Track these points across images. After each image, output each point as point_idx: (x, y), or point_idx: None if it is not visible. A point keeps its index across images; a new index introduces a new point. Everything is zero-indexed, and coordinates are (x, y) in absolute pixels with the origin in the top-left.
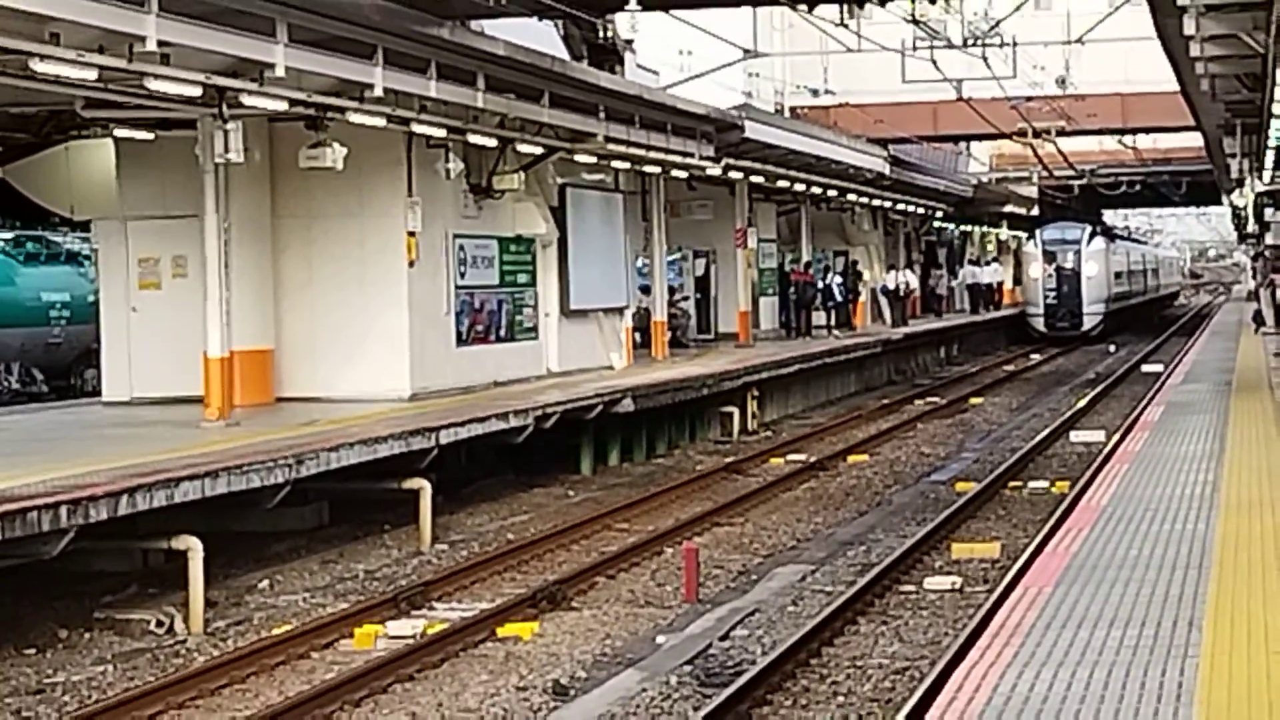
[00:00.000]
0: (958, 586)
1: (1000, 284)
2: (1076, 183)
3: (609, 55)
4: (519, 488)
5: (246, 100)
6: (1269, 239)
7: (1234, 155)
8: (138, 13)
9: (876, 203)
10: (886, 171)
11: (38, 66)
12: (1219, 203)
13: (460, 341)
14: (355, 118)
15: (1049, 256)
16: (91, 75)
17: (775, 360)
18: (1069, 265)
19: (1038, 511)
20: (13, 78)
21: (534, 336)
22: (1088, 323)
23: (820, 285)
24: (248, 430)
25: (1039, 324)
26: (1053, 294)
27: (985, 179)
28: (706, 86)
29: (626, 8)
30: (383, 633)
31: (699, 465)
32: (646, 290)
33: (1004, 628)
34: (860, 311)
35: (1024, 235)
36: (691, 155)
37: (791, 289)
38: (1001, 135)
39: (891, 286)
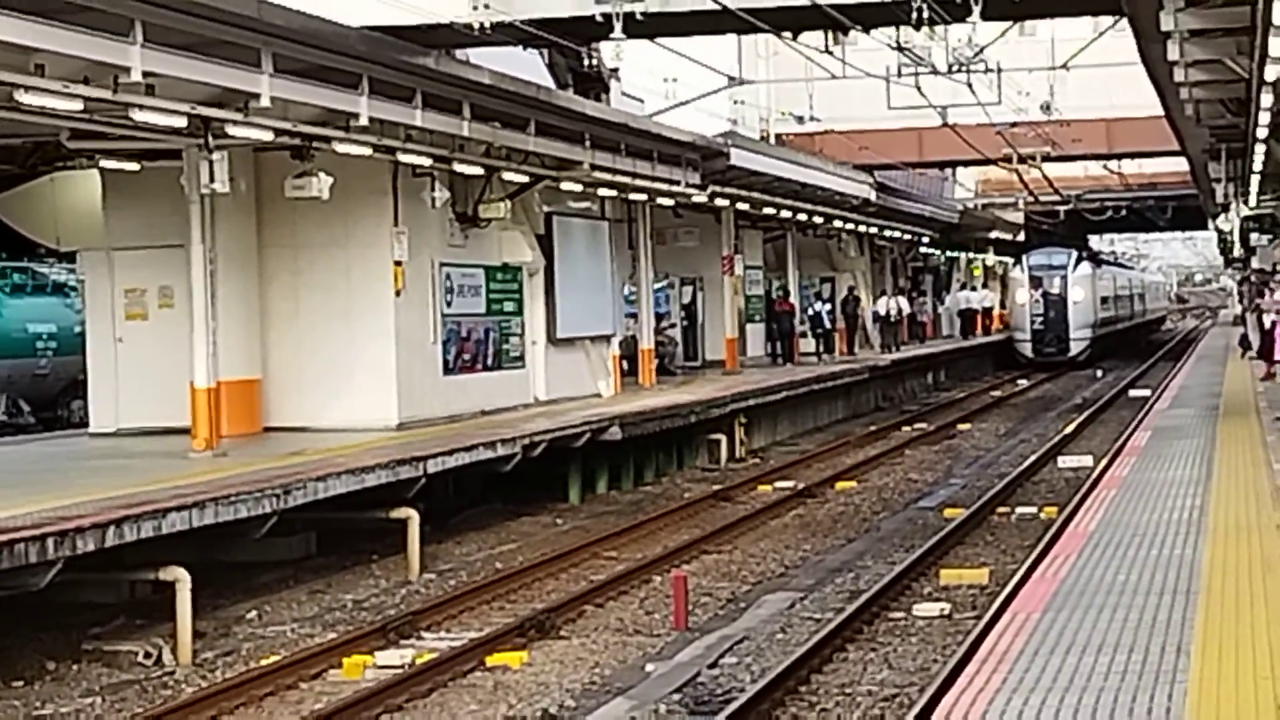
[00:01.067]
0: (946, 613)
1: (990, 309)
2: (1062, 208)
3: (594, 83)
4: (507, 516)
5: (232, 130)
6: (1254, 263)
7: (1219, 180)
8: (123, 43)
9: (863, 229)
10: (872, 198)
11: (23, 98)
12: (1205, 227)
13: (447, 370)
14: (341, 147)
15: (1035, 282)
16: (77, 106)
17: (763, 387)
18: (1055, 290)
19: (1026, 537)
20: None
21: (521, 365)
22: (1074, 348)
23: (810, 312)
24: (235, 460)
25: (1026, 349)
26: (1039, 319)
27: (971, 205)
28: (692, 114)
29: (611, 36)
30: (371, 663)
31: (687, 493)
32: (633, 318)
33: (993, 654)
34: (843, 338)
35: (1010, 261)
36: (677, 183)
37: (773, 318)
38: (987, 161)
39: (882, 312)
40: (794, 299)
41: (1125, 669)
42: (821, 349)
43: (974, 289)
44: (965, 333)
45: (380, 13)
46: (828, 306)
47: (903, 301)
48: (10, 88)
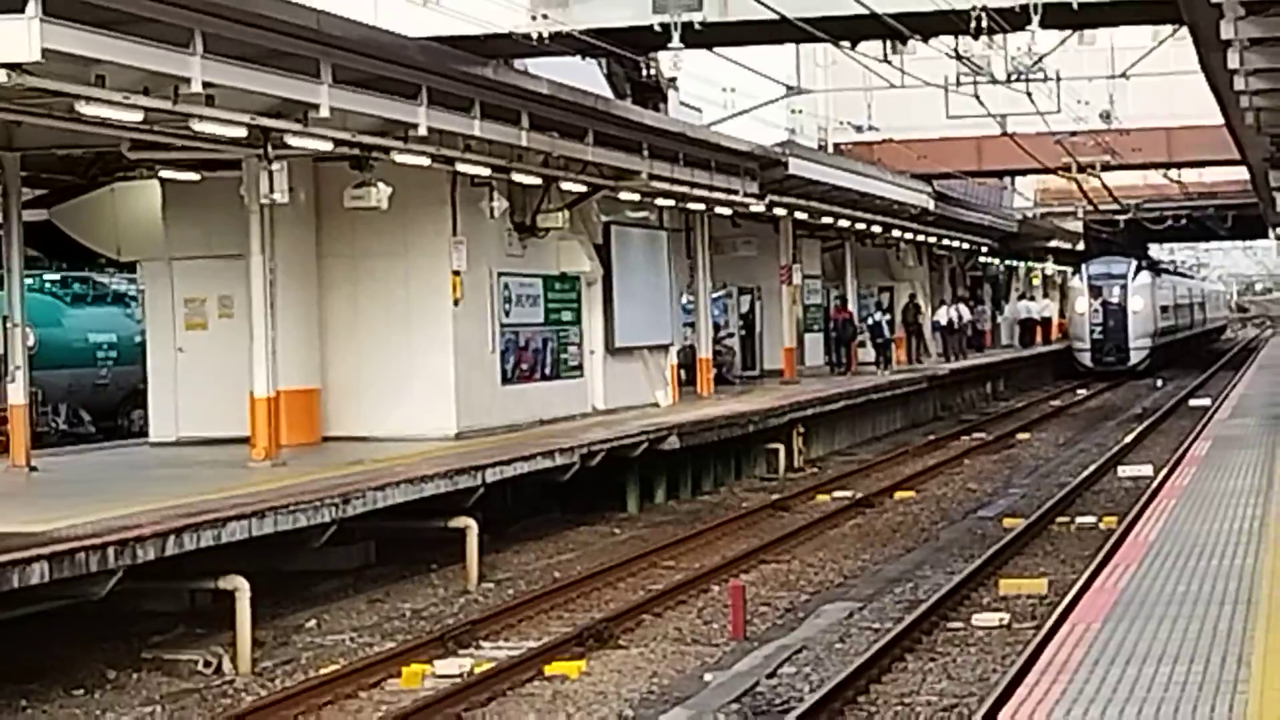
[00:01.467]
0: (1005, 623)
1: (1049, 319)
2: (1122, 217)
3: (652, 93)
4: (565, 526)
5: (291, 141)
6: None
7: (1279, 189)
8: (183, 54)
9: (921, 238)
10: (931, 207)
11: (84, 109)
12: (1265, 236)
13: (505, 380)
14: (400, 157)
15: (1095, 291)
16: (137, 117)
17: (821, 397)
18: (1115, 300)
19: (1085, 547)
20: (59, 120)
21: (579, 374)
22: (1134, 357)
23: (870, 322)
24: (294, 470)
25: (1085, 359)
26: (1099, 329)
27: (1030, 214)
28: (750, 123)
29: (669, 46)
30: (430, 672)
31: (745, 502)
32: (691, 327)
33: (1052, 664)
34: (900, 346)
35: (1069, 270)
36: (736, 192)
37: (832, 326)
38: (1046, 170)
39: (944, 322)
40: (852, 308)
41: (1186, 680)
42: (880, 358)
43: (1033, 298)
44: (1025, 342)
45: (439, 23)
46: (887, 316)
47: (964, 310)
48: (71, 99)
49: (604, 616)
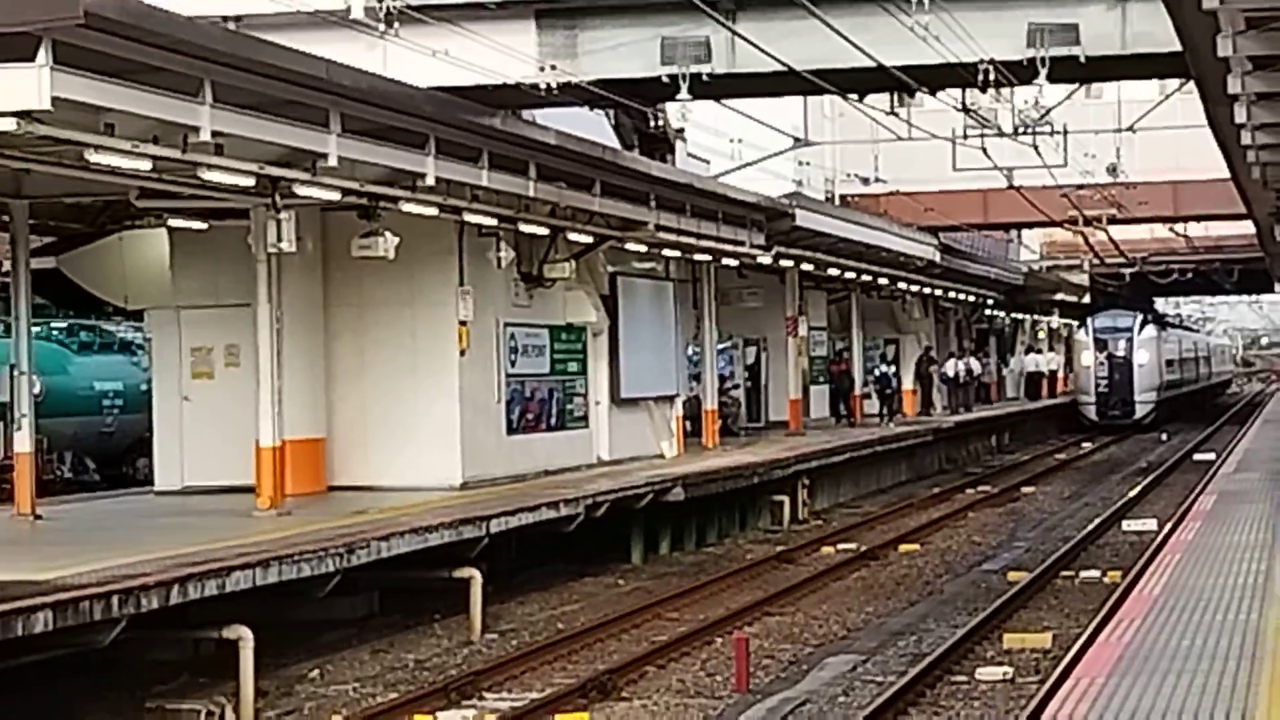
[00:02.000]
0: (1009, 677)
1: (1054, 372)
2: (1128, 270)
3: (660, 144)
4: (570, 577)
5: (299, 190)
6: None
7: None
8: (192, 104)
9: (927, 290)
10: (937, 259)
11: (93, 157)
12: (1271, 290)
13: (511, 430)
14: (407, 207)
15: (1100, 344)
16: (146, 165)
17: (826, 449)
18: (1121, 353)
19: (1090, 601)
20: (68, 168)
21: (585, 425)
22: (1140, 411)
23: (876, 373)
24: (299, 519)
25: (1090, 412)
26: (1104, 382)
27: (1036, 267)
28: (757, 175)
29: (677, 97)
30: None
31: (749, 554)
32: (697, 378)
33: (1056, 719)
34: (910, 400)
35: (1075, 323)
36: (742, 243)
37: (829, 379)
38: (1052, 223)
39: (951, 374)
40: (857, 360)
41: None
42: (885, 410)
43: (1039, 351)
44: (1032, 395)
45: (447, 73)
46: (893, 368)
47: (973, 363)
48: (81, 147)
49: (608, 668)
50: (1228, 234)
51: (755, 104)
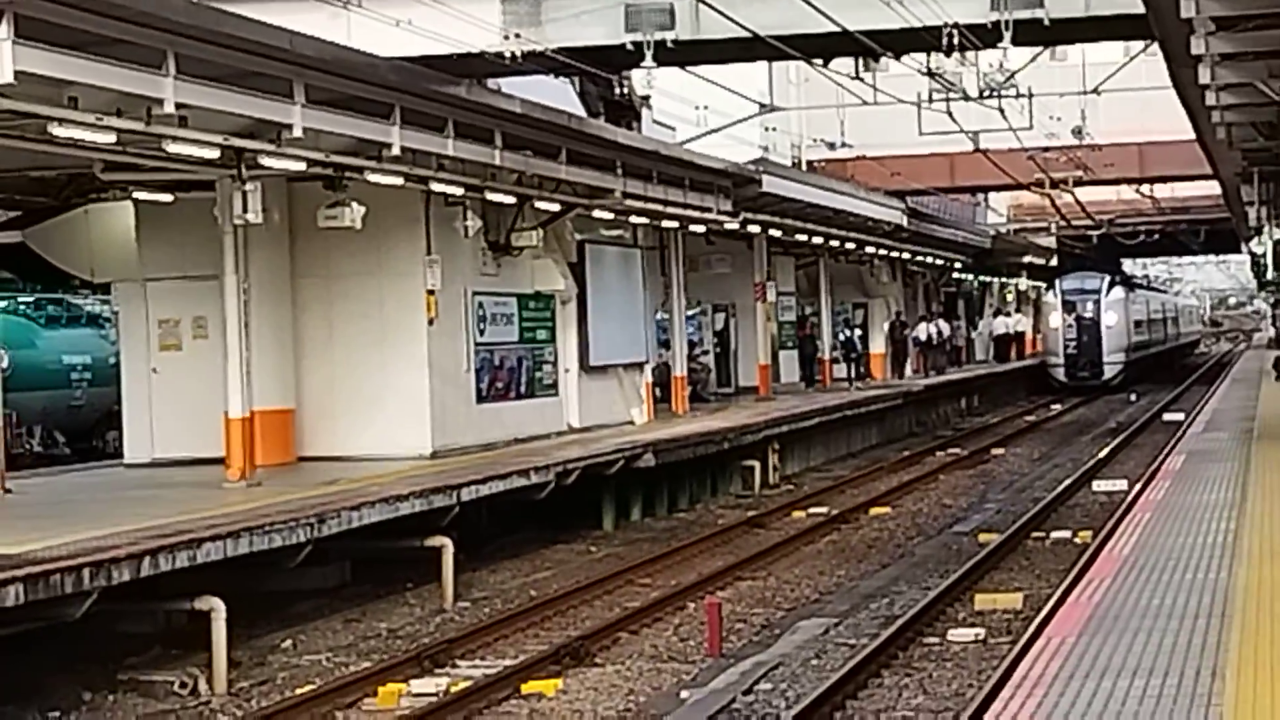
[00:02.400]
0: (981, 638)
1: (1021, 334)
2: (1095, 233)
3: (625, 111)
4: (541, 544)
5: (265, 161)
6: None
7: (1252, 203)
8: (156, 75)
9: (895, 255)
10: (904, 223)
11: (57, 130)
12: (1238, 250)
13: (480, 398)
14: (373, 177)
15: (1068, 306)
16: (110, 138)
17: (796, 413)
18: (1089, 315)
19: (1060, 561)
20: (32, 142)
21: (554, 393)
22: (1108, 372)
23: (841, 338)
24: (269, 490)
25: (1059, 374)
26: (1073, 344)
27: (1003, 230)
28: (723, 141)
29: (642, 64)
30: (406, 691)
31: (721, 519)
32: (666, 345)
33: (1027, 678)
34: (880, 363)
35: (1043, 285)
36: (709, 210)
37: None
38: (1019, 186)
39: (923, 338)
40: (825, 325)
41: (1160, 693)
42: (852, 374)
43: (1008, 314)
44: (1002, 357)
45: (411, 43)
46: (858, 332)
47: (943, 325)
48: (44, 120)
49: (580, 634)
50: (1194, 195)
51: (721, 70)
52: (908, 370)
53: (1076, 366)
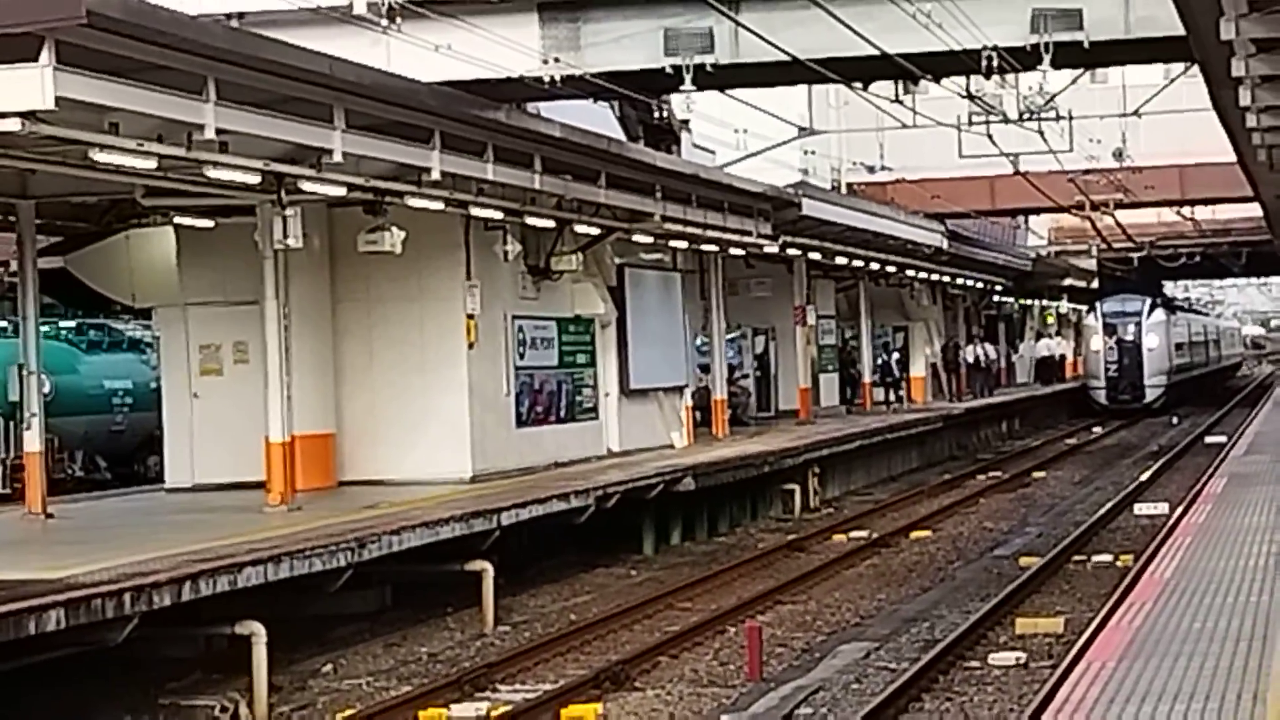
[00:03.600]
0: (1022, 662)
1: (1063, 357)
2: (1136, 255)
3: (665, 135)
4: (581, 568)
5: (305, 186)
6: None
7: None
8: (196, 101)
9: (935, 278)
10: (944, 246)
11: (98, 156)
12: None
13: (520, 422)
14: (413, 201)
15: (1109, 329)
16: (151, 164)
17: (836, 437)
18: (1130, 337)
19: (1101, 585)
20: (73, 167)
21: (594, 416)
22: (1149, 395)
23: (879, 361)
24: (310, 514)
25: (1100, 397)
26: (1114, 366)
27: (1044, 252)
28: (763, 165)
29: (682, 88)
30: (447, 716)
31: (761, 543)
32: (706, 369)
33: (1068, 703)
34: (920, 386)
35: (1084, 308)
36: (749, 233)
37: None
38: (1059, 209)
39: (971, 360)
40: (864, 349)
41: (1202, 717)
42: (891, 397)
43: (1049, 337)
44: (1045, 380)
45: (451, 68)
46: (896, 356)
47: (989, 349)
48: (85, 146)
49: (620, 658)
50: (1235, 217)
51: (760, 94)
52: (960, 392)
53: (1117, 389)
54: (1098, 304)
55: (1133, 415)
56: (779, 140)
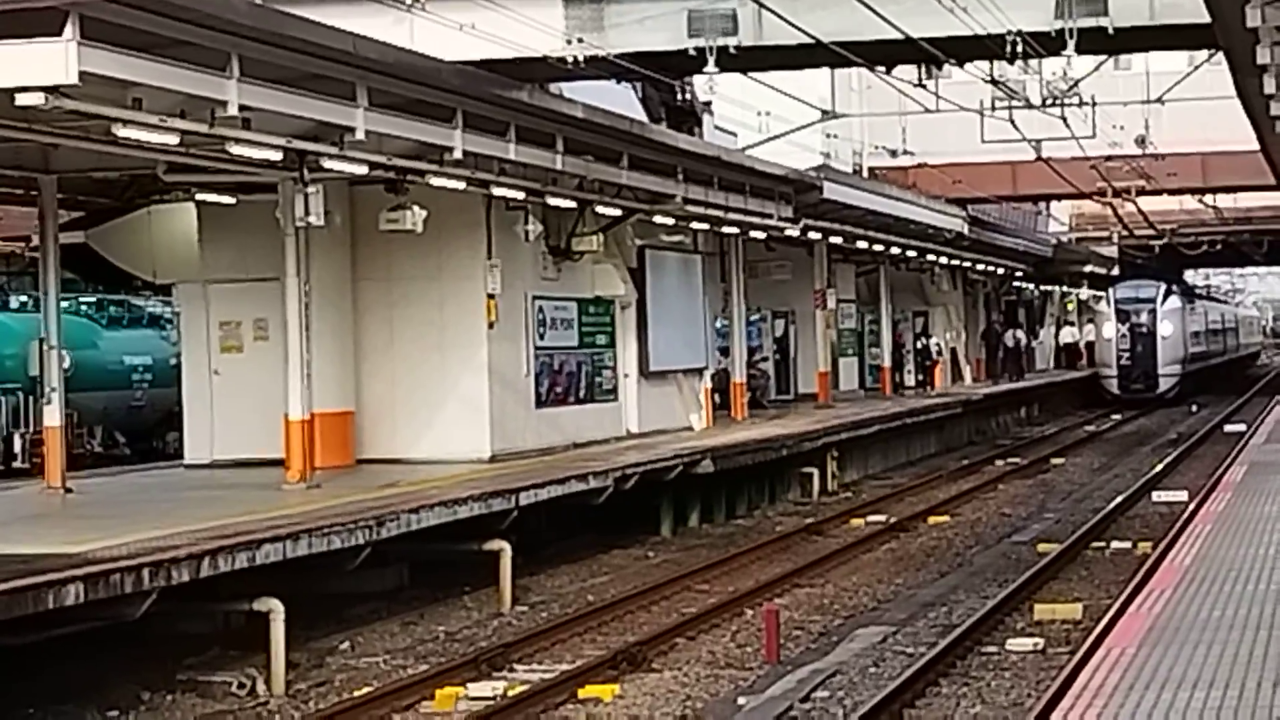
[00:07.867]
0: (1040, 648)
1: (1089, 344)
2: (1157, 242)
3: (687, 117)
4: (599, 549)
5: (327, 164)
6: None
7: None
8: (220, 78)
9: (956, 263)
10: (965, 231)
11: (120, 132)
12: None
13: (540, 403)
14: (435, 180)
15: (1122, 316)
16: (173, 140)
17: (855, 421)
18: (1143, 325)
19: (1120, 572)
20: (95, 143)
21: (613, 398)
22: (1163, 384)
23: (919, 346)
24: (328, 492)
25: (1112, 386)
26: (1126, 355)
27: (1065, 239)
28: (784, 147)
29: (705, 70)
30: (463, 694)
31: (779, 526)
32: (725, 351)
33: (1086, 689)
34: (939, 372)
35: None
36: (770, 216)
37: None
38: (1081, 195)
39: (1010, 344)
40: (884, 333)
41: (1221, 705)
42: (923, 380)
43: (1072, 324)
44: (1071, 366)
45: (474, 47)
46: (934, 340)
47: (1020, 334)
48: (108, 122)
49: (637, 639)
50: (1257, 205)
51: (782, 77)
52: (1000, 375)
53: (1130, 379)
54: (1110, 290)
55: (1145, 405)
56: (801, 123)
